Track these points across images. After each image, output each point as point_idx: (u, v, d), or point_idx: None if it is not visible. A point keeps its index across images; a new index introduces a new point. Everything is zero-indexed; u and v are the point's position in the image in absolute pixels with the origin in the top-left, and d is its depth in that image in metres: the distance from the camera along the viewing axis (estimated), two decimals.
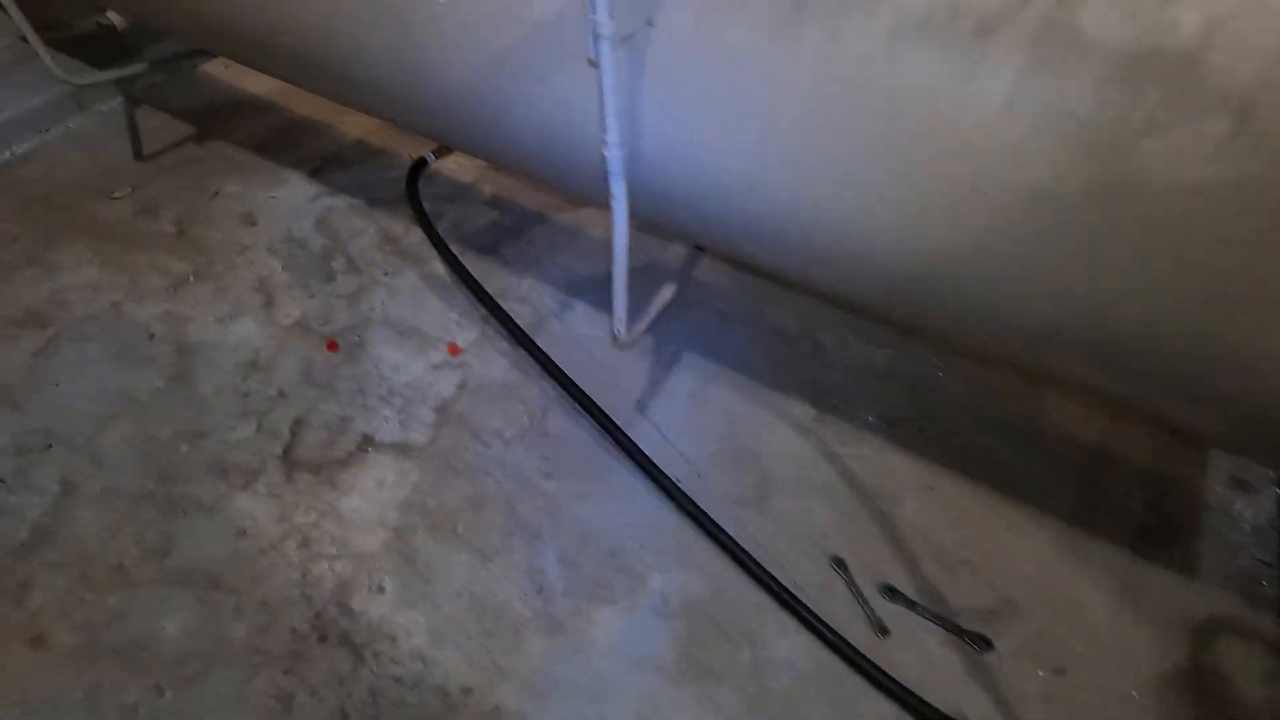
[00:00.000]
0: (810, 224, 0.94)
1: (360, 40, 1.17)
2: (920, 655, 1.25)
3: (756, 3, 0.85)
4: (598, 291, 1.83)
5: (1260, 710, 1.21)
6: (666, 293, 1.39)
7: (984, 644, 1.25)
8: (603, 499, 1.45)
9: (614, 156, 0.91)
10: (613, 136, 0.89)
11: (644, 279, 1.81)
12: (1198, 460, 1.54)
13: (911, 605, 1.30)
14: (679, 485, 1.42)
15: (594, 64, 0.81)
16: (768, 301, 1.82)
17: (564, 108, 1.01)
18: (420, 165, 1.72)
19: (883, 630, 1.27)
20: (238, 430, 1.54)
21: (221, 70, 2.52)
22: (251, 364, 1.66)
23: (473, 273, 1.79)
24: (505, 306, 1.73)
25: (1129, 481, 1.50)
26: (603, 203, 1.04)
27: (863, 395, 1.63)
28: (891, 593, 1.32)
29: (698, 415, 1.59)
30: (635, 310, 1.29)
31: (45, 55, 1.90)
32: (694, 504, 1.38)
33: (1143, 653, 1.27)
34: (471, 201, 2.08)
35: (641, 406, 1.60)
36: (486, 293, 1.74)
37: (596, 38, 0.78)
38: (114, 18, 1.82)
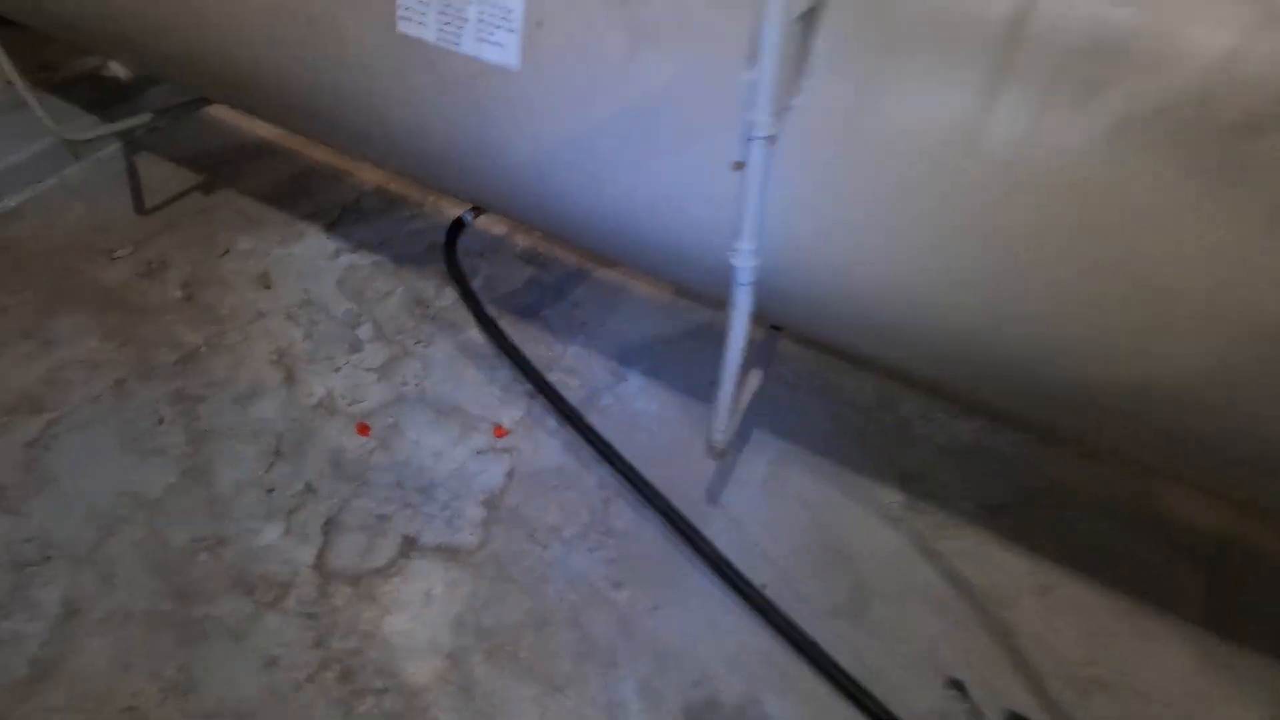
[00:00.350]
0: (976, 338, 0.79)
1: (416, 109, 1.01)
2: None
3: (934, 77, 0.70)
4: (652, 360, 1.66)
5: None
6: (754, 381, 1.23)
7: None
8: (680, 611, 1.29)
9: (745, 267, 0.75)
10: (747, 245, 0.73)
11: (703, 340, 1.66)
12: None
13: None
14: (765, 595, 1.26)
15: (739, 166, 0.66)
16: (839, 370, 1.67)
17: (668, 201, 0.85)
18: (458, 228, 1.56)
19: None
20: (263, 534, 1.37)
21: (227, 112, 2.35)
22: (274, 452, 1.49)
23: (514, 340, 1.62)
24: (552, 379, 1.57)
25: (1266, 578, 1.35)
26: (708, 295, 0.89)
27: (956, 478, 1.48)
28: None
29: (776, 504, 1.43)
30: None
31: (37, 107, 1.73)
32: (789, 622, 1.21)
33: None
34: (505, 256, 1.92)
35: (713, 496, 1.44)
36: (532, 365, 1.57)
37: (750, 139, 0.63)
38: (117, 69, 1.65)
